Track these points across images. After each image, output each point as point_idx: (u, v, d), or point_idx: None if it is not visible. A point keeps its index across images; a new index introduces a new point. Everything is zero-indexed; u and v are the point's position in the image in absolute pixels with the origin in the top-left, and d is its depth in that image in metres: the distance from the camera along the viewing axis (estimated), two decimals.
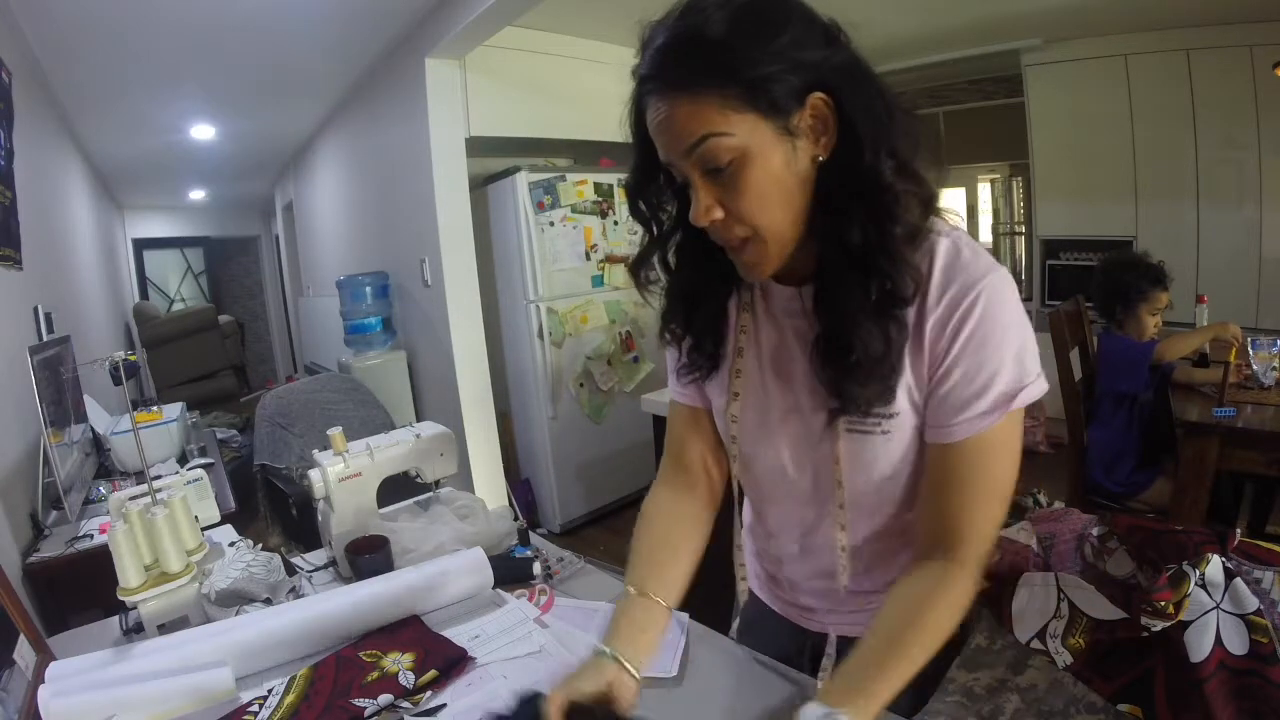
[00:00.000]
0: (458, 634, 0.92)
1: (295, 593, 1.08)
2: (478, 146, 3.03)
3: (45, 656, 0.92)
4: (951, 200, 4.43)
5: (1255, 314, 3.20)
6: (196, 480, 1.51)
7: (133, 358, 1.26)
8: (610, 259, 3.34)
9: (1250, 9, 2.95)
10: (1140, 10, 3.13)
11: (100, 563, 1.03)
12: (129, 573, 0.98)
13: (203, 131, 4.19)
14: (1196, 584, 0.63)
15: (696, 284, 0.75)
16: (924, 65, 3.86)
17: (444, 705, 0.79)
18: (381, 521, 1.18)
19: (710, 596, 0.95)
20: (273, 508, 2.32)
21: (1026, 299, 4.04)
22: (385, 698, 0.79)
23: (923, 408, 0.66)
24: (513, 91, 3.03)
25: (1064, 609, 0.71)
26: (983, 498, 0.65)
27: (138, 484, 1.33)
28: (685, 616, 0.93)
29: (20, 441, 1.77)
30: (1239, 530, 0.70)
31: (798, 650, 0.87)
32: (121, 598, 0.98)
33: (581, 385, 3.29)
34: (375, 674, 0.84)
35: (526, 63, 3.06)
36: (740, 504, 0.86)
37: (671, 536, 0.80)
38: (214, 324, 5.99)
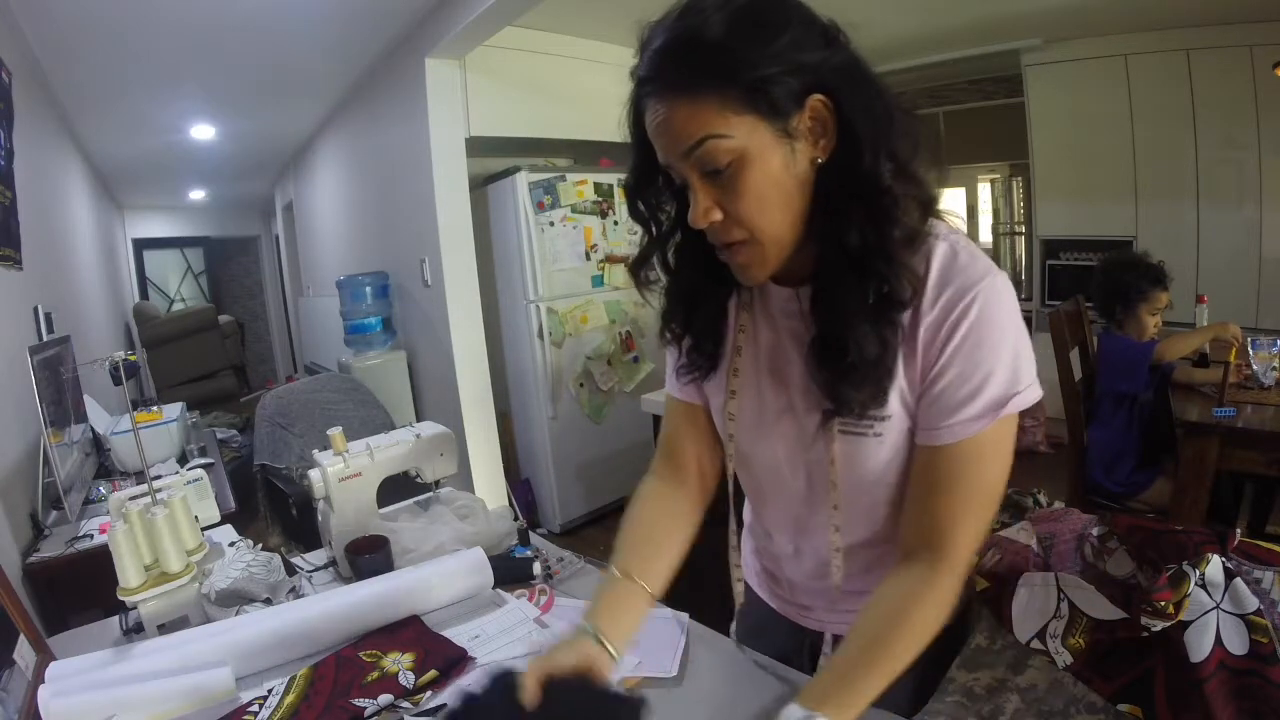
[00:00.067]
0: (458, 634, 0.92)
1: (295, 593, 1.08)
2: (478, 146, 3.03)
3: (45, 656, 0.92)
4: (951, 200, 4.43)
5: (1255, 314, 3.20)
6: (196, 480, 1.51)
7: (133, 358, 1.26)
8: (610, 259, 3.33)
9: (1250, 9, 2.95)
10: (1140, 10, 3.13)
11: (100, 563, 1.03)
12: (129, 573, 0.98)
13: (203, 131, 4.19)
14: (1196, 584, 0.63)
15: (696, 284, 0.74)
16: (924, 65, 3.86)
17: (444, 705, 0.79)
18: (381, 521, 1.18)
19: (710, 596, 0.95)
20: (273, 508, 2.32)
21: (1026, 299, 4.04)
22: (385, 698, 0.79)
23: (915, 410, 0.66)
24: (513, 91, 3.03)
25: (1064, 609, 0.71)
26: (970, 502, 0.64)
27: (138, 484, 1.33)
28: (685, 616, 0.93)
29: (20, 441, 1.77)
30: (1239, 530, 0.70)
31: (797, 649, 0.87)
32: (121, 598, 0.98)
33: (581, 385, 3.29)
34: (375, 674, 0.84)
35: (526, 63, 3.06)
36: (736, 504, 0.87)
37: (659, 528, 0.80)
38: (214, 324, 5.99)
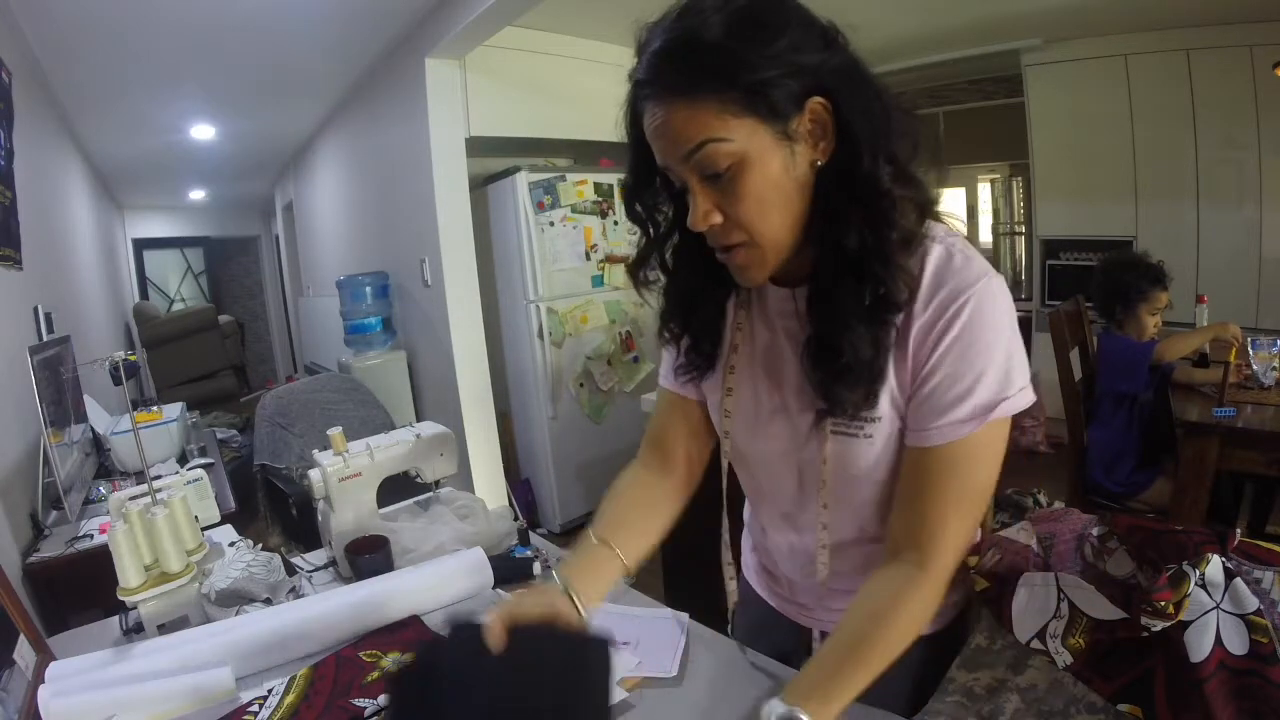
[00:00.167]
0: None
1: (295, 593, 1.08)
2: (478, 146, 3.03)
3: (45, 656, 0.92)
4: (951, 200, 4.43)
5: (1255, 314, 3.20)
6: (196, 480, 1.51)
7: (133, 358, 1.27)
8: (610, 259, 3.33)
9: (1250, 9, 2.95)
10: (1140, 10, 3.13)
11: (100, 563, 1.03)
12: (129, 573, 0.98)
13: (203, 131, 4.19)
14: (1196, 584, 0.63)
15: (694, 285, 0.75)
16: (924, 65, 3.86)
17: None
18: (381, 521, 1.18)
19: (709, 596, 0.96)
20: (273, 508, 2.32)
21: (1026, 299, 4.04)
22: (385, 697, 0.79)
23: (905, 411, 0.66)
24: (513, 91, 3.03)
25: (1064, 609, 0.71)
26: (957, 504, 0.64)
27: (138, 484, 1.33)
28: (685, 616, 0.93)
29: (20, 441, 1.77)
30: (1239, 530, 0.70)
31: (796, 647, 0.87)
32: (121, 598, 0.98)
33: (581, 385, 3.29)
34: (375, 674, 0.84)
35: (526, 63, 3.06)
36: (729, 503, 0.87)
37: (640, 508, 0.82)
38: (214, 324, 5.99)
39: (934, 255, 0.63)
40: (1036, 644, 0.71)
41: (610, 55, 3.18)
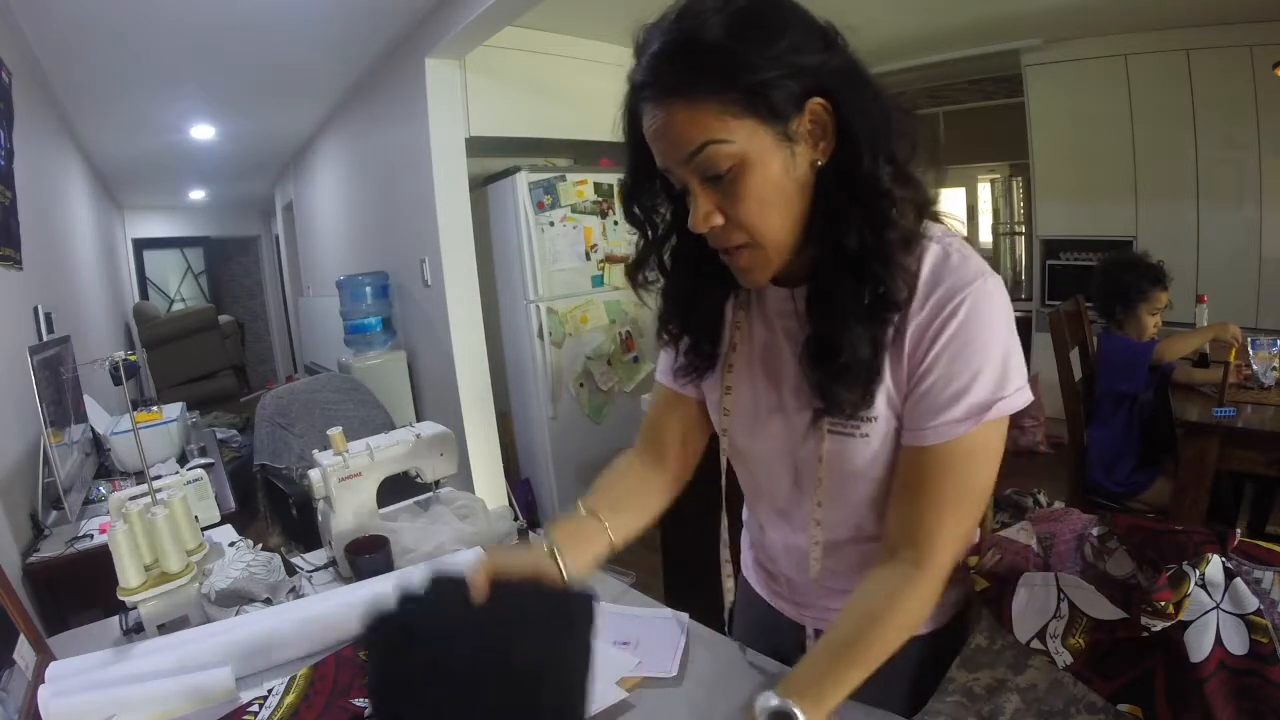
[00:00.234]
0: None
1: (295, 593, 1.08)
2: (478, 146, 3.03)
3: (45, 656, 0.92)
4: (951, 200, 4.42)
5: (1255, 314, 3.20)
6: (196, 480, 1.51)
7: (133, 358, 1.27)
8: (610, 259, 3.33)
9: (1250, 9, 2.95)
10: (1140, 10, 3.13)
11: (100, 563, 1.03)
12: (129, 573, 0.98)
13: (203, 131, 4.19)
14: (1196, 584, 0.63)
15: (693, 287, 0.75)
16: (924, 65, 3.86)
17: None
18: (381, 521, 1.18)
19: (709, 596, 0.96)
20: (273, 508, 2.32)
21: (1026, 299, 4.04)
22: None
23: (901, 411, 0.66)
24: (513, 91, 3.03)
25: (1064, 609, 0.71)
26: (952, 504, 0.64)
27: (138, 484, 1.33)
28: (685, 616, 0.93)
29: (20, 441, 1.77)
30: (1239, 530, 0.70)
31: (795, 646, 0.87)
32: (121, 598, 0.98)
33: (581, 385, 3.30)
34: None
35: (526, 63, 3.06)
36: (728, 501, 0.87)
37: (632, 491, 0.83)
38: (214, 324, 6.00)
39: (931, 254, 0.63)
40: (1036, 644, 0.71)
41: (610, 55, 3.18)
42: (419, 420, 1.40)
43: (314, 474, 1.15)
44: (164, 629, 0.98)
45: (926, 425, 0.64)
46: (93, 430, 2.25)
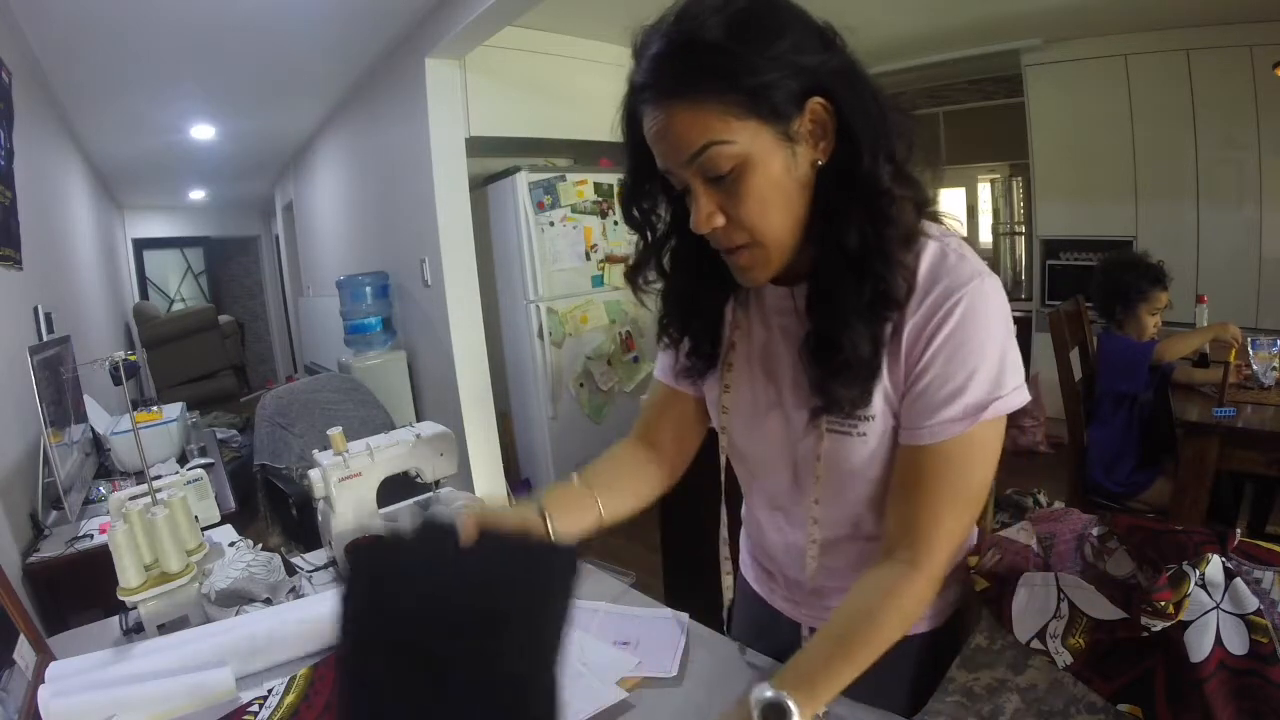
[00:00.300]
0: None
1: (295, 593, 1.08)
2: (478, 146, 3.03)
3: (45, 656, 0.92)
4: (951, 200, 4.42)
5: (1255, 314, 3.20)
6: (196, 480, 1.51)
7: (133, 358, 1.27)
8: (610, 259, 3.34)
9: (1250, 9, 2.95)
10: (1140, 10, 3.13)
11: (100, 563, 1.03)
12: (129, 573, 0.98)
13: (203, 131, 4.19)
14: (1196, 584, 0.63)
15: (693, 288, 0.75)
16: (924, 65, 3.86)
17: None
18: (381, 521, 1.18)
19: (709, 596, 0.96)
20: (273, 508, 2.32)
21: (1026, 299, 4.04)
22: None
23: (898, 410, 0.66)
24: (513, 91, 3.03)
25: (1064, 609, 0.71)
26: (949, 503, 0.65)
27: (138, 484, 1.33)
28: (685, 616, 0.93)
29: (20, 441, 1.77)
30: (1239, 530, 0.70)
31: (792, 644, 0.87)
32: (121, 598, 0.98)
33: (581, 385, 3.30)
34: None
35: (526, 63, 3.06)
36: (727, 500, 0.88)
37: (626, 475, 0.84)
38: (214, 324, 6.00)
39: (929, 253, 0.64)
40: (1036, 644, 0.71)
41: (610, 55, 3.18)
42: (419, 420, 1.40)
43: (314, 474, 1.15)
44: (164, 629, 0.98)
45: (923, 424, 0.64)
46: (93, 430, 2.25)
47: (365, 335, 3.46)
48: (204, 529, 1.21)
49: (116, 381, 1.22)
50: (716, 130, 0.57)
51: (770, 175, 0.59)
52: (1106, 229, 3.63)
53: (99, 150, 4.37)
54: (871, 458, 0.69)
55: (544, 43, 3.10)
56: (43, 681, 0.83)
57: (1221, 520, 2.03)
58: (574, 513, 0.72)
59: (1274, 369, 2.08)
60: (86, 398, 2.29)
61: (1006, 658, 0.73)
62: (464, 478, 2.96)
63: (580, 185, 3.22)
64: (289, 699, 0.80)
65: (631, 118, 0.64)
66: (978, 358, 0.61)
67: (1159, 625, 0.63)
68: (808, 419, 0.69)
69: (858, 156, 0.59)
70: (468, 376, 3.03)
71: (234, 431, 3.24)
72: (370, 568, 0.59)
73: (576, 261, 3.23)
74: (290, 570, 1.13)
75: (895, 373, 0.65)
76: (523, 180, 3.03)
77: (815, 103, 0.58)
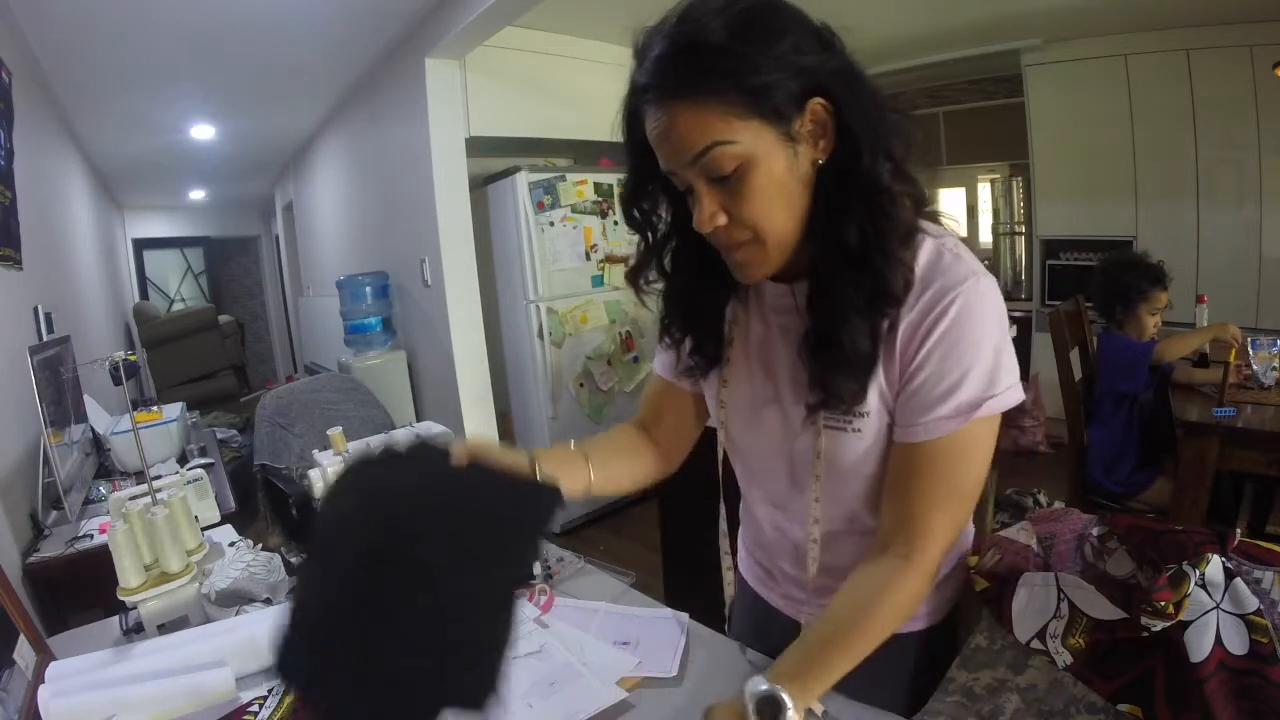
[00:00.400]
0: None
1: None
2: (478, 146, 3.03)
3: (45, 656, 0.92)
4: (951, 200, 4.42)
5: (1255, 314, 3.20)
6: (196, 480, 1.51)
7: (133, 358, 1.27)
8: (610, 259, 3.33)
9: (1250, 9, 2.95)
10: (1140, 10, 3.13)
11: (100, 563, 1.03)
12: (129, 573, 0.98)
13: (203, 131, 4.19)
14: (1196, 584, 0.63)
15: (694, 289, 0.76)
16: (924, 65, 3.86)
17: None
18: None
19: (709, 596, 0.96)
20: (273, 508, 2.32)
21: (1026, 299, 4.04)
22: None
23: (893, 408, 0.67)
24: (513, 91, 3.03)
25: (1064, 609, 0.71)
26: (942, 499, 0.65)
27: (138, 484, 1.33)
28: (685, 616, 0.93)
29: (20, 441, 1.77)
30: (1239, 530, 0.70)
31: (788, 641, 0.87)
32: (121, 598, 0.98)
33: (581, 385, 3.29)
34: None
35: (526, 63, 3.06)
36: (726, 495, 0.88)
37: (622, 452, 0.85)
38: (214, 324, 6.00)
39: (925, 252, 0.64)
40: (1036, 644, 0.71)
41: (610, 55, 3.18)
42: (419, 420, 1.40)
43: (314, 474, 1.15)
44: (164, 629, 0.98)
45: (917, 422, 0.64)
46: (93, 430, 2.25)
47: (365, 335, 3.46)
48: (204, 529, 1.21)
49: (116, 381, 1.22)
50: (719, 130, 0.58)
51: (772, 174, 0.60)
52: (1106, 229, 3.63)
53: (99, 150, 4.37)
54: (867, 454, 0.69)
55: (544, 43, 3.10)
56: (43, 681, 0.83)
57: (1221, 520, 2.02)
58: (564, 471, 0.72)
59: (1274, 369, 2.08)
60: (86, 398, 2.29)
61: (1006, 658, 0.73)
62: None
63: (580, 185, 3.22)
64: (289, 699, 0.80)
65: (633, 118, 0.64)
66: (972, 356, 0.62)
67: (1159, 625, 0.63)
68: (804, 415, 0.70)
69: (857, 155, 0.59)
70: (468, 376, 3.02)
71: (234, 431, 3.24)
72: (360, 473, 0.61)
73: (576, 261, 3.23)
74: (290, 570, 1.13)
75: (890, 370, 0.65)
76: (523, 180, 3.03)
77: (815, 103, 0.59)
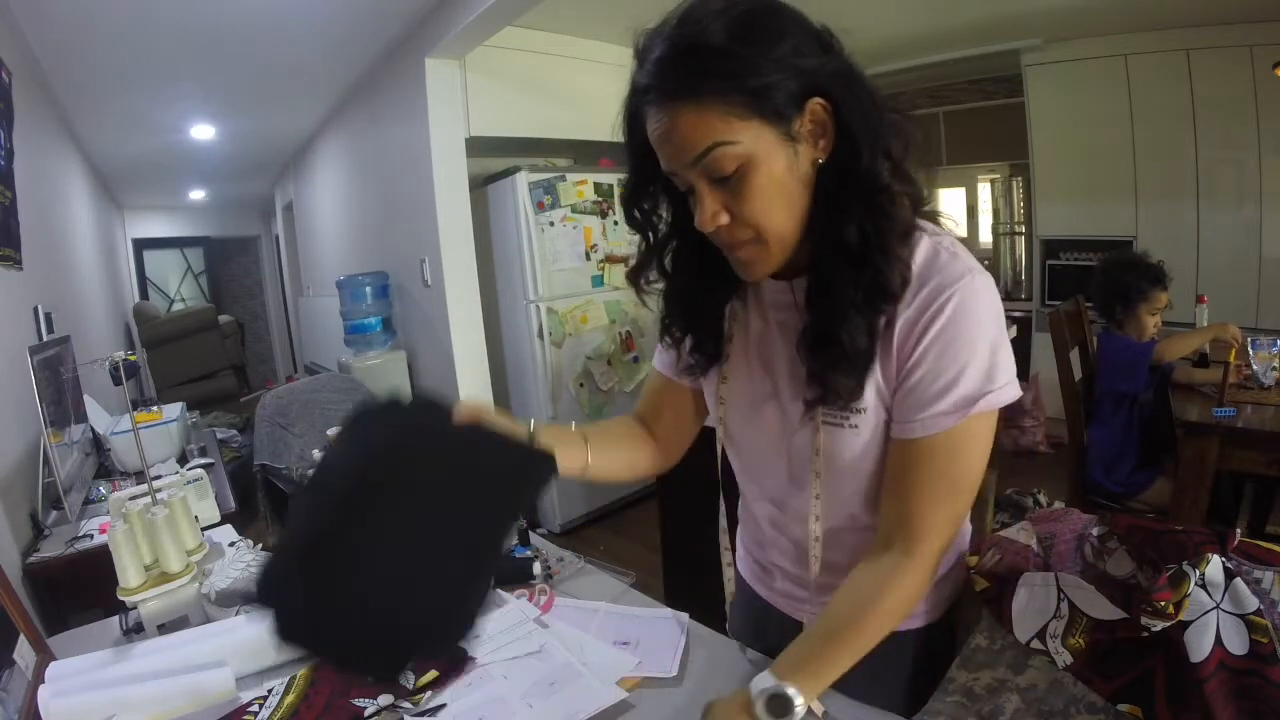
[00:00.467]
0: None
1: None
2: (478, 146, 3.03)
3: (45, 656, 0.92)
4: (951, 200, 4.42)
5: (1255, 314, 3.20)
6: (196, 480, 1.51)
7: (133, 358, 1.27)
8: (610, 259, 3.33)
9: (1250, 9, 2.95)
10: (1140, 10, 3.13)
11: (100, 563, 1.03)
12: (129, 573, 0.98)
13: (203, 131, 4.19)
14: (1196, 584, 0.63)
15: (694, 288, 0.76)
16: (924, 65, 3.86)
17: (444, 705, 0.79)
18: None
19: (709, 596, 0.96)
20: (273, 508, 2.32)
21: (1026, 299, 4.04)
22: (385, 697, 0.79)
23: (890, 405, 0.68)
24: (513, 91, 3.03)
25: (1064, 609, 0.71)
26: (940, 495, 0.66)
27: (138, 484, 1.33)
28: (685, 616, 0.93)
29: (20, 441, 1.77)
30: (1239, 530, 0.70)
31: (789, 640, 0.87)
32: (121, 598, 0.98)
33: (581, 385, 3.29)
34: None
35: (526, 63, 3.06)
36: (726, 493, 0.88)
37: (621, 440, 0.86)
38: (214, 324, 6.00)
39: (922, 250, 0.65)
40: (1036, 644, 0.71)
41: (610, 55, 3.18)
42: None
43: None
44: (164, 629, 0.98)
45: (914, 418, 0.65)
46: (93, 430, 2.25)
47: (365, 335, 3.46)
48: (204, 529, 1.21)
49: (116, 381, 1.22)
50: (720, 131, 0.58)
51: (773, 174, 0.61)
52: (1106, 229, 3.63)
53: (99, 150, 4.37)
54: (865, 450, 0.70)
55: (544, 43, 3.10)
56: (43, 681, 0.83)
57: (1221, 520, 2.02)
58: (562, 446, 0.73)
59: (1274, 369, 2.08)
60: (86, 398, 2.29)
61: (1006, 658, 0.73)
62: None
63: (580, 185, 3.22)
64: (289, 699, 0.80)
65: (634, 119, 0.65)
66: (969, 353, 0.63)
67: (1159, 625, 0.63)
68: (802, 411, 0.71)
69: (857, 154, 0.60)
70: (468, 376, 3.02)
71: (234, 431, 3.24)
72: (363, 418, 0.64)
73: (576, 261, 3.23)
74: None
75: (887, 367, 0.66)
76: (523, 180, 3.03)
77: (815, 103, 0.60)
